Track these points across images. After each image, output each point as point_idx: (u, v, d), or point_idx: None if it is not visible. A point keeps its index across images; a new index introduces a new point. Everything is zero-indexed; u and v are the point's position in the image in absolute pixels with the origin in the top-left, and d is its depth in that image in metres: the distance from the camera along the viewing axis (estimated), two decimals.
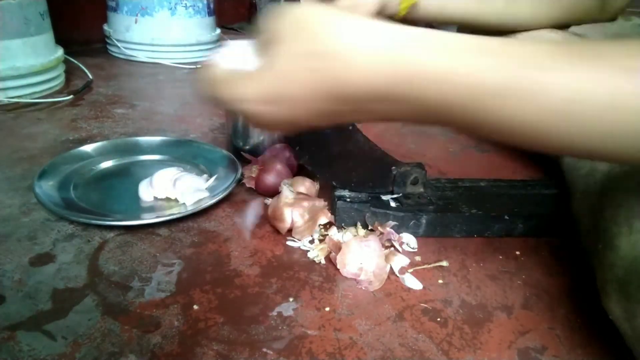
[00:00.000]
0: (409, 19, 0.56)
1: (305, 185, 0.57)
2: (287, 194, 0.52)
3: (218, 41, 1.41)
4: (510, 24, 0.56)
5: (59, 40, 1.00)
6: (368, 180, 0.55)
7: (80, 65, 1.06)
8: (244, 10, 1.97)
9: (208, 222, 0.53)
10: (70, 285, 0.42)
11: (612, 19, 0.60)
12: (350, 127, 0.52)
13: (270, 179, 0.57)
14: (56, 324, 0.38)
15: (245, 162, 0.63)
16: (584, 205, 0.46)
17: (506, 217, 0.54)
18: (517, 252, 0.52)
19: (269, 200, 0.57)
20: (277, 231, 0.53)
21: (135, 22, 1.24)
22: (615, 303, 0.34)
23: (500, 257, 0.52)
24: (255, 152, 0.67)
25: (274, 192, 0.56)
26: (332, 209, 0.56)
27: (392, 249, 0.50)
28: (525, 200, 0.57)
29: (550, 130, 0.27)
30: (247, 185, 0.59)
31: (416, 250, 0.51)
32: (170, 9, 1.25)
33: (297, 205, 0.51)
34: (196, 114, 0.89)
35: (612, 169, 0.43)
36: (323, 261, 0.48)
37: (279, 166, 0.57)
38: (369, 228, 0.52)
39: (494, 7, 0.54)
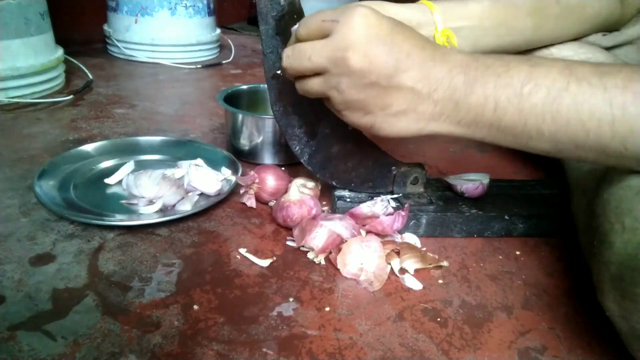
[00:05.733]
0: None
1: (310, 185, 0.57)
2: (294, 191, 0.53)
3: (218, 41, 1.41)
4: (537, 46, 0.59)
5: (59, 40, 1.00)
6: (368, 180, 0.55)
7: (80, 65, 1.06)
8: (244, 10, 1.97)
9: (208, 222, 0.53)
10: (70, 285, 0.42)
11: (629, 20, 0.61)
12: (350, 127, 0.52)
13: (271, 190, 0.57)
14: (56, 324, 0.38)
15: (243, 163, 0.62)
16: (582, 203, 0.46)
17: (506, 217, 0.54)
18: (517, 252, 0.52)
19: (272, 202, 0.57)
20: (277, 231, 0.53)
21: (135, 22, 1.24)
22: (611, 300, 0.34)
23: (500, 257, 0.52)
24: (255, 152, 0.67)
25: (277, 197, 0.56)
26: (332, 209, 0.56)
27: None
28: (525, 200, 0.57)
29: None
30: (248, 204, 0.57)
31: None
32: (170, 9, 1.25)
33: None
34: (196, 114, 0.89)
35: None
36: (323, 261, 0.48)
37: (276, 181, 0.57)
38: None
39: (524, 36, 0.56)
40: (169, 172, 0.57)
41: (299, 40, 0.41)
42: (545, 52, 0.59)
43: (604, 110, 0.33)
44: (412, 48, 0.38)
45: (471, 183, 0.55)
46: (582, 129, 0.34)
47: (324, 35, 0.39)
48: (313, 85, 0.41)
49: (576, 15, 0.57)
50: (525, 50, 0.57)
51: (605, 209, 0.37)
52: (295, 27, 0.42)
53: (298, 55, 0.40)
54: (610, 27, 0.61)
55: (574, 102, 0.34)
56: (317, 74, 0.40)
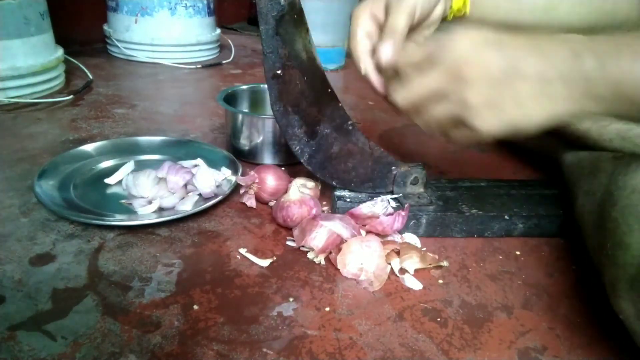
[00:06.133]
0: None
1: (310, 185, 0.58)
2: (294, 191, 0.53)
3: (218, 41, 1.41)
4: (544, 27, 0.58)
5: (59, 40, 1.00)
6: (368, 180, 0.55)
7: (80, 65, 1.06)
8: (244, 10, 1.97)
9: (208, 222, 0.53)
10: (70, 285, 0.42)
11: None
12: (350, 127, 0.52)
13: (271, 190, 0.57)
14: (56, 324, 0.38)
15: (243, 163, 0.62)
16: (587, 205, 0.46)
17: (506, 217, 0.54)
18: (517, 252, 0.52)
19: (272, 202, 0.57)
20: (277, 231, 0.53)
21: (135, 22, 1.24)
22: (627, 302, 0.34)
23: (500, 257, 0.52)
24: (255, 152, 0.67)
25: (277, 197, 0.56)
26: (332, 209, 0.56)
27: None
28: (525, 200, 0.57)
29: None
30: (248, 204, 0.57)
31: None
32: (170, 9, 1.25)
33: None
34: (196, 114, 0.89)
35: (616, 168, 0.43)
36: (323, 261, 0.48)
37: (276, 181, 0.57)
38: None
39: (532, 16, 0.56)
40: (160, 173, 0.57)
41: (400, 72, 0.42)
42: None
43: None
44: (524, 43, 0.38)
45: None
46: None
47: (429, 64, 0.39)
48: (438, 114, 0.41)
49: (593, 7, 0.56)
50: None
51: (624, 212, 0.36)
52: (384, 55, 0.43)
53: (412, 92, 0.41)
54: (624, 27, 0.60)
55: None
56: (437, 103, 0.41)
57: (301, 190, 0.54)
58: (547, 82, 0.38)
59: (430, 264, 0.48)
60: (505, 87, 0.38)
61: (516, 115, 0.40)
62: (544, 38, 0.39)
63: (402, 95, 0.42)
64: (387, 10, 0.47)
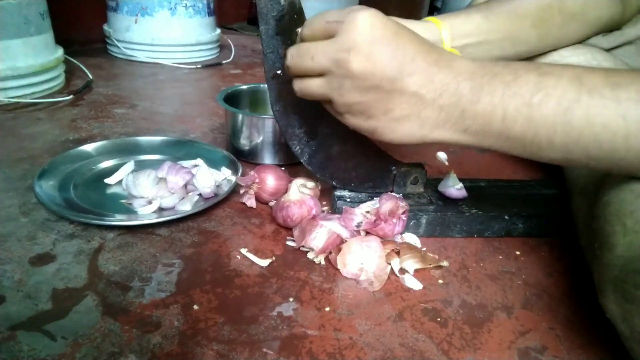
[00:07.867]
0: None
1: (310, 185, 0.58)
2: (294, 191, 0.53)
3: (218, 41, 1.41)
4: (540, 53, 0.59)
5: (59, 40, 1.00)
6: (368, 180, 0.55)
7: (80, 65, 1.06)
8: (244, 10, 1.97)
9: (208, 222, 0.53)
10: (70, 285, 0.42)
11: (629, 20, 0.61)
12: (351, 127, 0.52)
13: (271, 190, 0.56)
14: (56, 324, 0.38)
15: (243, 163, 0.62)
16: (581, 204, 0.46)
17: (506, 217, 0.54)
18: (517, 252, 0.52)
19: (272, 202, 0.57)
20: (277, 231, 0.53)
21: (135, 22, 1.24)
22: (612, 302, 0.34)
23: (500, 257, 0.52)
24: (255, 152, 0.67)
25: (277, 197, 0.56)
26: (332, 209, 0.56)
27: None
28: (525, 200, 0.57)
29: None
30: (248, 204, 0.57)
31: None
32: (170, 9, 1.25)
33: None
34: (196, 114, 0.89)
35: None
36: (323, 261, 0.48)
37: (276, 181, 0.57)
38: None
39: (527, 47, 0.57)
40: (160, 173, 0.57)
41: (303, 40, 0.41)
42: (545, 55, 0.59)
43: (618, 124, 0.32)
44: (417, 52, 0.37)
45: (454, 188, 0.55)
46: (594, 141, 0.33)
47: (329, 36, 0.38)
48: (314, 86, 0.41)
49: (579, 22, 0.57)
50: (527, 57, 0.57)
51: (605, 211, 0.37)
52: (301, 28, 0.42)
53: (302, 54, 0.40)
54: (612, 28, 0.61)
55: (586, 114, 0.33)
56: (319, 75, 0.40)
57: (301, 190, 0.54)
58: (422, 104, 0.38)
59: (430, 264, 0.48)
60: (381, 94, 0.38)
61: (383, 127, 0.40)
62: (447, 55, 0.38)
63: (291, 53, 0.41)
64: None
